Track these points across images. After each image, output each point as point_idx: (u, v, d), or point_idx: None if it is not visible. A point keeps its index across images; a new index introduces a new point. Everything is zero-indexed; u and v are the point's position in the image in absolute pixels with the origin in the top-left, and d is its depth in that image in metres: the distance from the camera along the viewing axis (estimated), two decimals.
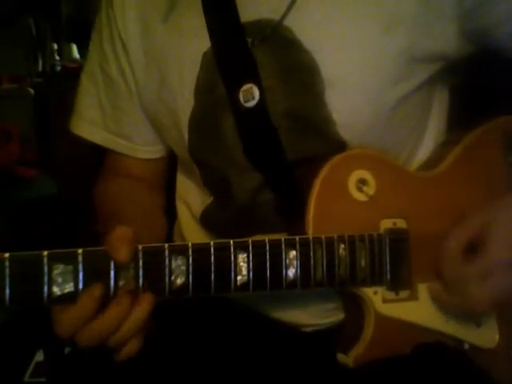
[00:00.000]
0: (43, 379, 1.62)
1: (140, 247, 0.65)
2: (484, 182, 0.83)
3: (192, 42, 0.82)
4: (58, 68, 2.69)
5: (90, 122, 0.95)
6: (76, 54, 2.76)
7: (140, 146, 0.95)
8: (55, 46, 2.73)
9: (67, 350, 0.87)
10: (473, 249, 0.73)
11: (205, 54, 0.81)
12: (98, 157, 0.99)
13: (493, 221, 0.74)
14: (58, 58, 2.73)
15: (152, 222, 0.89)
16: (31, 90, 2.32)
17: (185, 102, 0.83)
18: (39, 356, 1.73)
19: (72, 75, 2.45)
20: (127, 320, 0.65)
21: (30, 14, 2.62)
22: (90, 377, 0.79)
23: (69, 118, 0.97)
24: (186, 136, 0.85)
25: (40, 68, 2.67)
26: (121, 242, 0.63)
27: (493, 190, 0.82)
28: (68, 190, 2.03)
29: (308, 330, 0.88)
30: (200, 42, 0.81)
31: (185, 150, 0.86)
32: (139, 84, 0.89)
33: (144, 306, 0.65)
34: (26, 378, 1.68)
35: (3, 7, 2.49)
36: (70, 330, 0.64)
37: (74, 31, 2.68)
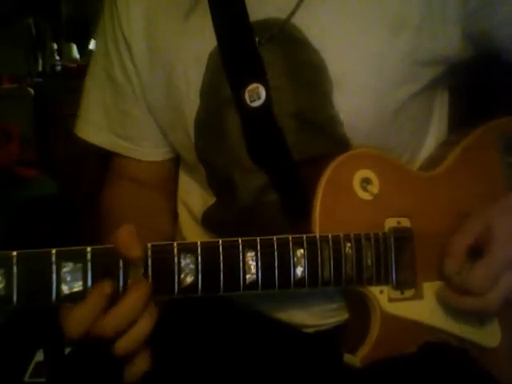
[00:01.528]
0: (43, 379, 1.62)
1: (149, 245, 0.64)
2: (484, 181, 0.83)
3: (197, 42, 0.82)
4: (58, 68, 2.69)
5: (96, 126, 0.94)
6: (76, 53, 2.76)
7: (147, 148, 0.94)
8: (55, 46, 2.73)
9: (67, 350, 0.87)
10: (477, 251, 0.74)
11: (211, 54, 0.81)
12: (97, 157, 0.99)
13: (496, 221, 0.74)
14: (58, 57, 2.74)
15: (153, 225, 0.88)
16: (31, 90, 2.32)
17: (191, 103, 0.83)
18: (39, 356, 1.72)
19: (72, 75, 2.46)
20: (139, 320, 0.64)
21: (30, 14, 2.62)
22: (90, 377, 0.79)
23: (68, 118, 0.97)
24: (192, 136, 0.84)
25: (40, 68, 2.67)
26: (132, 239, 0.63)
27: (492, 189, 0.83)
28: (68, 190, 2.03)
29: (310, 330, 0.88)
30: (205, 41, 0.81)
31: (190, 151, 0.86)
32: (144, 84, 0.88)
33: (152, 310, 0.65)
34: (26, 378, 1.67)
35: (3, 7, 2.48)
36: (78, 330, 0.62)
37: (74, 31, 2.68)
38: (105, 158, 0.99)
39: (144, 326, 0.65)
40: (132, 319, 0.64)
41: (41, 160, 2.13)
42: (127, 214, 0.89)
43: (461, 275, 0.73)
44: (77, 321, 0.62)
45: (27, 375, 1.66)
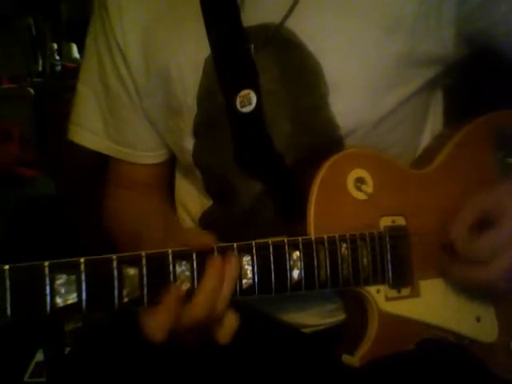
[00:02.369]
0: (43, 379, 1.63)
1: (143, 254, 0.63)
2: (476, 177, 0.83)
3: (193, 48, 0.81)
4: (58, 68, 2.70)
5: (91, 131, 0.94)
6: (76, 53, 2.76)
7: (143, 152, 0.94)
8: (55, 46, 2.73)
9: (67, 350, 0.87)
10: (485, 226, 0.73)
11: (206, 60, 0.80)
12: (97, 158, 0.99)
13: (505, 197, 0.74)
14: (58, 57, 2.74)
15: (162, 226, 0.88)
16: (31, 90, 2.33)
17: (188, 108, 0.83)
18: (39, 356, 1.73)
19: (72, 75, 2.45)
20: (219, 295, 0.65)
21: (30, 14, 2.62)
22: (90, 377, 0.79)
23: (68, 118, 0.97)
24: (190, 141, 0.85)
25: (40, 68, 2.67)
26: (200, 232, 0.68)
27: (485, 185, 0.81)
28: (67, 190, 2.03)
29: (308, 330, 0.89)
30: (201, 47, 0.80)
31: (188, 155, 0.86)
32: (141, 91, 0.88)
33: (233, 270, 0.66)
34: (26, 378, 1.68)
35: (3, 7, 2.49)
36: (162, 333, 0.64)
37: (74, 31, 2.68)
38: (104, 159, 0.99)
39: (225, 296, 0.66)
40: (213, 300, 0.65)
41: (41, 160, 2.13)
42: (140, 222, 0.89)
43: (466, 241, 0.73)
44: (159, 325, 0.64)
45: (27, 375, 1.67)
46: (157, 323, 0.63)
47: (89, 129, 0.94)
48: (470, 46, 0.81)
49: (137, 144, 0.93)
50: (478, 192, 0.75)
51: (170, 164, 0.98)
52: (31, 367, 1.72)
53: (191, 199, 0.94)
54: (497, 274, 0.72)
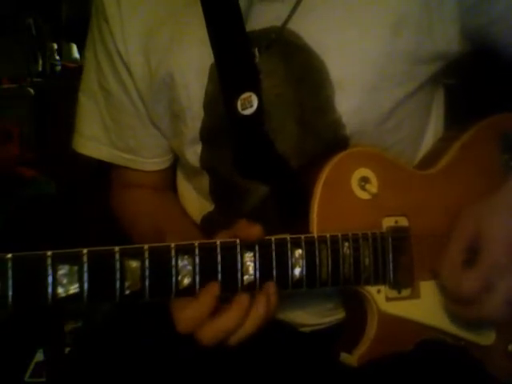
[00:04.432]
0: (43, 379, 1.63)
1: (146, 247, 0.64)
2: (482, 179, 0.83)
3: (196, 54, 0.81)
4: (58, 68, 2.69)
5: (93, 140, 0.93)
6: (76, 53, 2.76)
7: (148, 159, 0.94)
8: (55, 46, 2.73)
9: (67, 350, 0.87)
10: (473, 253, 0.73)
11: (212, 66, 0.80)
12: (97, 160, 0.99)
13: (485, 224, 0.73)
14: (57, 57, 2.73)
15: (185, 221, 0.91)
16: (31, 90, 2.32)
17: (193, 114, 0.82)
18: (39, 356, 1.73)
19: (72, 75, 2.46)
20: (248, 317, 0.66)
21: (30, 14, 2.61)
22: (90, 377, 0.79)
23: (68, 118, 0.96)
24: (197, 146, 0.85)
25: (40, 68, 2.67)
26: (249, 223, 0.68)
27: (490, 188, 0.81)
28: (67, 190, 2.03)
29: (307, 329, 0.89)
30: (204, 53, 0.80)
31: (195, 160, 0.86)
32: (145, 98, 0.88)
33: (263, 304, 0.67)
34: (26, 378, 1.68)
35: (3, 7, 2.49)
36: (190, 326, 0.65)
37: (74, 31, 2.68)
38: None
39: (256, 318, 0.67)
40: (242, 321, 0.66)
41: (41, 160, 2.13)
42: (157, 216, 0.90)
43: (455, 283, 0.73)
44: (189, 315, 0.65)
45: (27, 375, 1.67)
46: (187, 314, 0.65)
47: (90, 137, 0.93)
48: (472, 43, 0.81)
49: (140, 150, 0.93)
50: (461, 216, 0.75)
51: (173, 167, 0.98)
52: (31, 367, 1.73)
53: (191, 203, 0.94)
54: (494, 310, 0.72)
